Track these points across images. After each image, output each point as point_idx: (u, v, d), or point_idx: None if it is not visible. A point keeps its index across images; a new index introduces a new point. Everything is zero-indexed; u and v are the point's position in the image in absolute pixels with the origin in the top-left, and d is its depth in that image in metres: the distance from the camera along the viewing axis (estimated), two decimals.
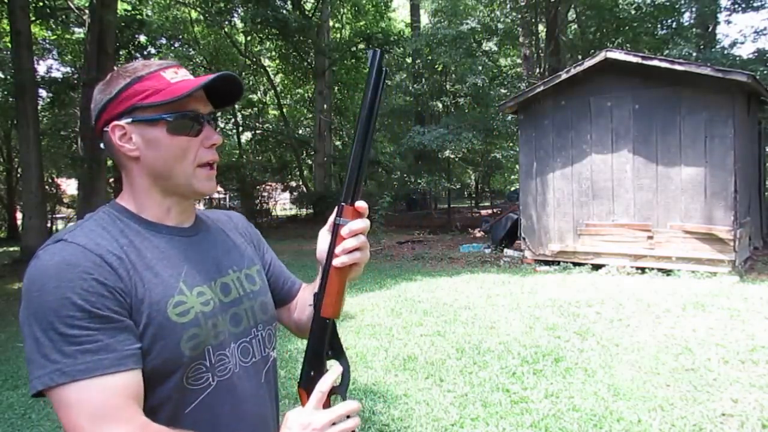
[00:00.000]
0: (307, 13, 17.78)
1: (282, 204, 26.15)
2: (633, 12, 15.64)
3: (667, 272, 7.63)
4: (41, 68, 18.75)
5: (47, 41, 18.02)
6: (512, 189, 17.61)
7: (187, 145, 0.94)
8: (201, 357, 0.91)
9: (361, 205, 0.92)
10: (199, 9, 18.74)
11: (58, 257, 0.83)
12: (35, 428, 3.60)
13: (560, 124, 8.90)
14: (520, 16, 16.46)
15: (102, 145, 0.98)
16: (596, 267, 8.30)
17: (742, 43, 35.75)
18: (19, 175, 19.45)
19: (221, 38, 20.55)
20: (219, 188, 22.94)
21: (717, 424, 3.16)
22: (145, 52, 15.49)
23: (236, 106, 21.45)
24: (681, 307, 5.77)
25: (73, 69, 17.30)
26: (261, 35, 18.48)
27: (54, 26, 15.41)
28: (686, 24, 17.47)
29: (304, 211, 21.90)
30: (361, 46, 18.28)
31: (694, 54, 14.20)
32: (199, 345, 0.90)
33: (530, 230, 9.34)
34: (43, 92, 14.60)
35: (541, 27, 17.86)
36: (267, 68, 21.82)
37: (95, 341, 0.80)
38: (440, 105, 17.45)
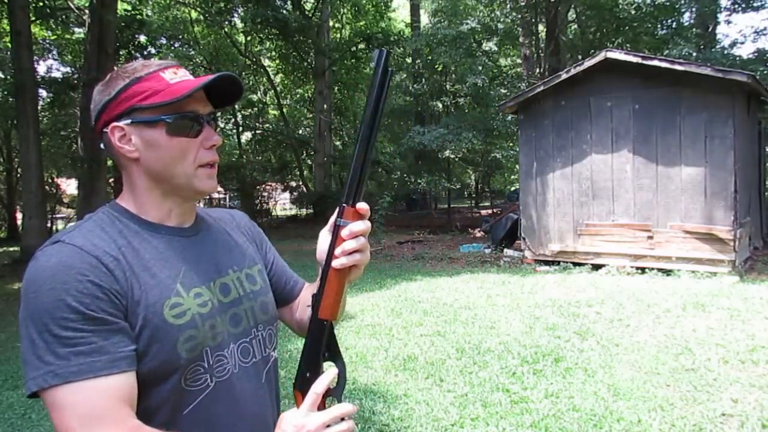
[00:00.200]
0: (307, 13, 17.78)
1: (282, 204, 26.14)
2: (633, 12, 15.64)
3: (667, 272, 7.63)
4: (41, 68, 18.78)
5: (47, 41, 18.01)
6: (512, 189, 17.61)
7: (187, 147, 0.94)
8: (199, 358, 0.90)
9: (362, 206, 0.91)
10: (199, 9, 18.74)
11: (54, 259, 0.83)
12: (35, 428, 3.60)
13: (560, 124, 8.90)
14: (520, 16, 16.46)
15: (102, 146, 0.98)
16: (596, 267, 8.30)
17: (742, 43, 35.76)
18: (19, 175, 19.45)
19: (221, 38, 20.54)
20: (219, 188, 22.99)
21: (717, 424, 3.16)
22: (145, 52, 15.48)
23: (236, 106, 21.45)
24: (681, 307, 5.77)
25: (73, 69, 17.30)
26: (261, 35, 18.48)
27: (54, 26, 15.41)
28: (686, 24, 17.46)
29: (304, 211, 21.90)
30: (361, 46, 18.29)
31: (694, 54, 14.20)
32: (196, 347, 0.90)
33: (530, 230, 9.34)
34: (43, 92, 14.61)
35: (541, 27, 17.85)
36: (267, 68, 21.82)
37: (89, 343, 0.80)
38: (440, 105, 17.45)
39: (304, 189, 21.52)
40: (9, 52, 14.13)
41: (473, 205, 26.21)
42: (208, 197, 26.01)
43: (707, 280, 7.10)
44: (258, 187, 21.78)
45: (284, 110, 21.90)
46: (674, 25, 17.26)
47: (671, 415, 3.30)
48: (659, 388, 3.70)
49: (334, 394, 0.92)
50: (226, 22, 18.64)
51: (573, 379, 3.93)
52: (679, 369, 4.04)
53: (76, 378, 0.78)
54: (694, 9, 16.43)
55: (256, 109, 22.90)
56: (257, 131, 22.88)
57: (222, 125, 22.38)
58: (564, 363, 4.26)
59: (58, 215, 21.97)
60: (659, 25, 17.24)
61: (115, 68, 1.01)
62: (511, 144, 15.56)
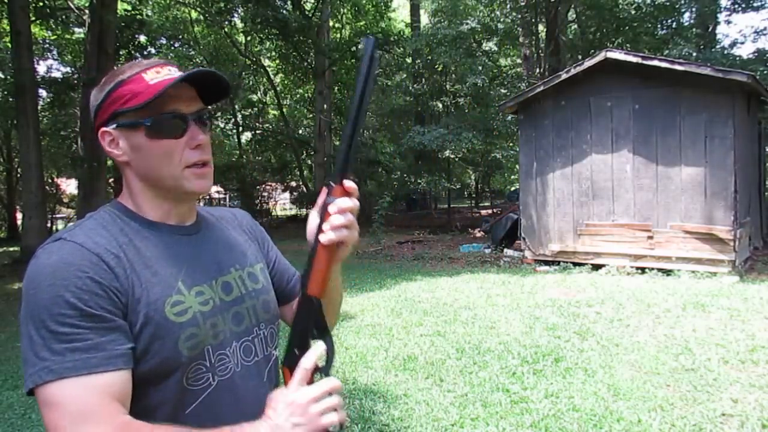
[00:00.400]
0: (307, 13, 17.76)
1: (282, 204, 26.16)
2: (633, 12, 15.64)
3: (667, 272, 7.63)
4: (41, 68, 18.76)
5: (47, 41, 18.01)
6: (512, 189, 17.60)
7: (171, 148, 0.92)
8: (200, 357, 0.90)
9: (349, 184, 0.90)
10: (199, 9, 18.72)
11: (55, 256, 0.84)
12: (35, 428, 3.60)
13: (560, 124, 8.90)
14: (520, 16, 16.46)
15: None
16: (596, 267, 8.30)
17: (742, 43, 35.77)
18: (19, 175, 19.45)
19: (221, 38, 20.53)
20: (219, 188, 23.00)
21: (717, 424, 3.16)
22: (145, 52, 15.48)
23: (236, 106, 21.46)
24: (681, 307, 5.77)
25: (73, 69, 17.31)
26: (261, 35, 18.45)
27: (54, 26, 15.40)
28: (686, 24, 17.47)
29: (304, 211, 21.89)
30: (361, 46, 18.26)
31: (694, 54, 14.20)
32: (197, 345, 0.90)
33: (530, 230, 9.34)
34: (43, 92, 14.61)
35: (541, 27, 17.85)
36: (267, 68, 21.79)
37: (85, 340, 0.80)
38: (440, 105, 17.45)
39: (304, 189, 21.51)
40: (9, 52, 14.12)
41: (473, 205, 26.21)
42: (207, 197, 26.08)
43: (707, 280, 7.10)
44: (258, 187, 21.78)
45: (284, 110, 21.88)
46: (674, 25, 17.26)
47: (671, 415, 3.30)
48: (659, 388, 3.70)
49: (322, 370, 0.91)
50: (226, 22, 18.62)
51: (573, 379, 3.93)
52: (679, 369, 4.04)
53: (71, 374, 0.78)
54: (694, 9, 16.42)
55: (256, 109, 22.89)
56: (257, 131, 22.87)
57: (222, 125, 22.38)
58: (564, 363, 4.26)
59: (58, 215, 21.98)
60: (659, 25, 17.24)
61: (114, 68, 1.01)
62: (511, 144, 15.56)
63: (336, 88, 20.07)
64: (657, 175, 7.90)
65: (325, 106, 18.57)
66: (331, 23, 20.14)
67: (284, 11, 16.46)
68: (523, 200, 9.50)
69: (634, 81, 8.04)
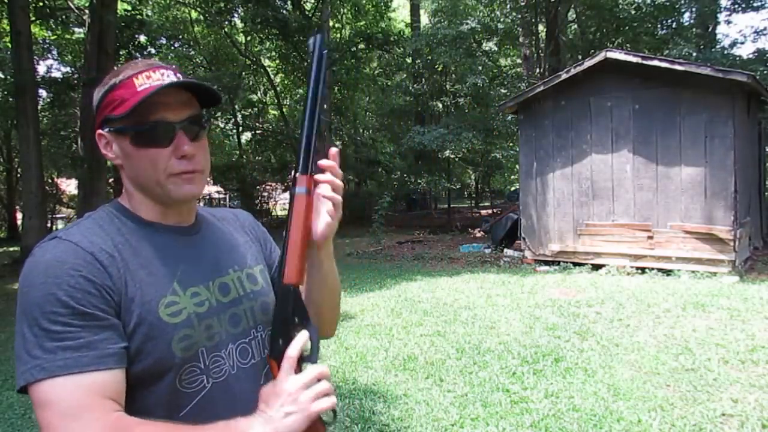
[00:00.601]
0: (307, 13, 17.77)
1: (282, 204, 26.15)
2: (633, 12, 15.63)
3: (667, 272, 7.63)
4: (41, 68, 18.76)
5: (47, 41, 18.01)
6: (512, 189, 17.62)
7: (156, 156, 0.91)
8: (194, 359, 0.90)
9: (326, 163, 0.95)
10: (199, 9, 18.73)
11: (49, 254, 0.84)
12: (35, 428, 3.60)
13: (560, 124, 8.90)
14: (520, 16, 16.46)
15: None
16: (596, 267, 8.30)
17: (742, 43, 35.76)
18: (19, 175, 19.45)
19: (221, 38, 20.53)
20: (219, 188, 23.00)
21: (717, 424, 3.16)
22: (145, 52, 15.48)
23: (236, 106, 21.46)
24: (681, 307, 5.77)
25: (73, 69, 17.30)
26: (261, 35, 18.45)
27: (54, 26, 15.39)
28: (686, 24, 17.47)
29: None
30: (361, 46, 18.28)
31: (694, 54, 14.20)
32: (191, 346, 0.89)
33: (530, 230, 9.34)
34: (43, 92, 14.60)
35: (541, 27, 17.85)
36: (267, 68, 21.80)
37: (77, 338, 0.80)
38: (440, 105, 17.45)
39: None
40: (9, 52, 14.11)
41: (473, 205, 26.23)
42: (207, 197, 26.07)
43: (707, 280, 7.10)
44: (258, 187, 21.78)
45: (284, 110, 21.88)
46: (674, 25, 17.26)
47: (671, 415, 3.30)
48: (659, 388, 3.70)
49: (308, 359, 0.92)
50: (226, 22, 18.63)
51: (573, 379, 3.93)
52: (679, 369, 4.04)
53: (62, 372, 0.78)
54: (694, 9, 16.42)
55: (256, 109, 22.89)
56: (257, 131, 22.88)
57: (222, 125, 22.38)
58: (564, 363, 4.26)
59: (58, 215, 21.98)
60: (659, 25, 17.24)
61: (115, 68, 1.01)
62: (511, 144, 15.56)
63: (336, 88, 20.07)
64: (657, 175, 7.90)
65: (325, 106, 18.55)
66: (331, 23, 20.14)
67: (284, 11, 16.47)
68: (523, 200, 9.50)
69: (634, 81, 8.04)
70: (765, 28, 26.45)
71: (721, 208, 7.38)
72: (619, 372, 4.03)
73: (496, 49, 17.65)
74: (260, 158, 23.01)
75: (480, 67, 14.70)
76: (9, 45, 13.60)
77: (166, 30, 18.33)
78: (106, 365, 0.81)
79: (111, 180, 14.45)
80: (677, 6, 15.65)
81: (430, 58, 16.28)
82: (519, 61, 19.54)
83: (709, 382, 3.77)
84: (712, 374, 3.90)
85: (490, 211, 20.36)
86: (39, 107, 13.33)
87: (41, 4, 12.40)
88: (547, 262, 9.00)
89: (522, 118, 9.53)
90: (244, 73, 21.09)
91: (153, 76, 0.91)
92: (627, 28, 16.25)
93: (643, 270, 7.84)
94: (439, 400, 3.67)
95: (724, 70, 7.38)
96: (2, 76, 16.65)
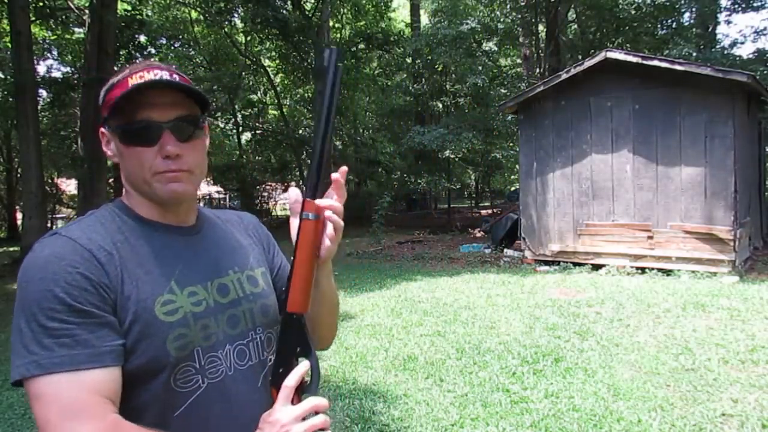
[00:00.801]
0: (307, 13, 17.76)
1: (282, 204, 26.15)
2: (633, 12, 15.64)
3: (667, 272, 7.63)
4: (41, 68, 18.78)
5: (47, 41, 18.02)
6: (512, 189, 17.62)
7: (142, 155, 0.92)
8: (189, 358, 0.90)
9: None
10: (199, 9, 18.72)
11: (48, 250, 0.85)
12: (35, 428, 3.60)
13: (560, 124, 8.90)
14: (520, 16, 16.46)
15: None
16: (596, 267, 8.30)
17: (742, 43, 35.74)
18: (19, 175, 19.45)
19: (221, 38, 20.53)
20: (219, 188, 23.01)
21: (717, 424, 3.16)
22: (145, 52, 15.49)
23: (236, 106, 21.46)
24: (681, 307, 5.77)
25: (73, 69, 17.31)
26: (261, 35, 18.46)
27: (54, 26, 15.40)
28: (686, 24, 17.48)
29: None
30: (361, 46, 18.29)
31: (694, 54, 14.20)
32: (186, 345, 0.89)
33: (530, 230, 9.34)
34: (43, 92, 14.61)
35: (541, 27, 17.85)
36: (267, 68, 21.80)
37: (73, 335, 0.80)
38: (440, 105, 17.45)
39: (305, 189, 21.50)
40: (9, 52, 14.12)
41: (473, 205, 26.23)
42: (207, 197, 26.07)
43: (707, 280, 7.10)
44: (258, 187, 21.78)
45: (284, 110, 21.89)
46: (674, 25, 17.27)
47: (671, 415, 3.30)
48: (659, 388, 3.70)
49: (308, 389, 0.91)
50: (226, 22, 18.63)
51: (573, 379, 3.93)
52: (679, 369, 4.04)
53: (58, 369, 0.78)
54: (694, 9, 16.42)
55: (256, 109, 22.89)
56: (257, 131, 22.88)
57: (222, 125, 22.37)
58: (564, 363, 4.26)
59: (58, 215, 21.99)
60: (659, 25, 17.25)
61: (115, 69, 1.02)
62: (511, 144, 15.57)
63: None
64: (657, 175, 7.90)
65: None
66: (331, 23, 20.13)
67: (284, 11, 16.46)
68: (523, 200, 9.50)
69: (634, 81, 8.04)
70: (765, 28, 26.45)
71: (721, 208, 7.38)
72: (619, 372, 4.03)
73: (496, 49, 17.64)
74: (260, 158, 23.02)
75: (480, 67, 14.70)
76: (9, 45, 13.61)
77: (166, 30, 18.34)
78: (101, 363, 0.81)
79: (111, 180, 14.45)
80: (677, 6, 15.65)
81: (430, 58, 16.28)
82: (519, 61, 19.55)
83: (709, 382, 3.77)
84: (712, 374, 3.90)
85: (490, 211, 20.36)
86: (39, 107, 13.34)
87: (41, 4, 12.40)
88: (547, 262, 9.00)
89: (522, 118, 9.53)
90: (244, 73, 21.09)
91: (146, 76, 0.90)
92: (627, 28, 16.26)
93: (643, 270, 7.84)
94: (439, 400, 3.67)
95: (724, 70, 7.38)
96: (2, 76, 16.66)
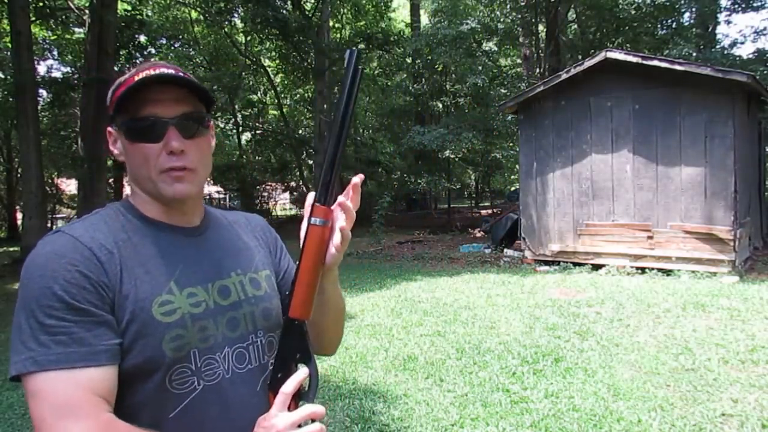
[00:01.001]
0: (307, 13, 17.76)
1: (282, 204, 26.16)
2: (633, 12, 15.64)
3: (667, 272, 7.63)
4: (41, 68, 18.79)
5: (47, 41, 18.01)
6: (512, 189, 17.61)
7: (147, 152, 0.92)
8: (185, 359, 0.89)
9: (356, 180, 0.90)
10: (199, 9, 18.72)
11: (49, 247, 0.85)
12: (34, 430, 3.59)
13: (560, 124, 8.90)
14: (520, 16, 16.46)
15: None
16: (596, 267, 8.30)
17: (742, 43, 35.74)
18: (19, 175, 19.45)
19: (221, 38, 20.53)
20: (219, 188, 23.00)
21: (717, 424, 3.16)
22: (145, 52, 15.48)
23: (236, 106, 21.45)
24: (681, 307, 5.77)
25: (73, 69, 17.30)
26: (261, 35, 18.44)
27: (54, 26, 15.40)
28: (686, 24, 17.47)
29: (304, 211, 21.87)
30: (361, 46, 18.28)
31: (694, 54, 14.21)
32: (183, 347, 0.89)
33: (530, 230, 9.34)
34: (43, 92, 14.60)
35: (541, 27, 17.85)
36: (267, 68, 21.79)
37: (69, 333, 0.80)
38: (440, 105, 17.45)
39: (304, 189, 21.52)
40: (9, 52, 14.12)
41: (473, 205, 26.23)
42: (207, 197, 26.07)
43: (707, 280, 7.10)
44: (258, 187, 21.78)
45: (284, 110, 21.88)
46: (674, 25, 17.26)
47: (671, 415, 3.30)
48: (659, 388, 3.70)
49: (306, 397, 0.90)
50: (226, 22, 18.63)
51: (573, 379, 3.93)
52: (679, 369, 4.04)
53: (54, 367, 0.79)
54: (694, 9, 16.42)
55: (256, 109, 22.89)
56: (257, 131, 22.88)
57: (222, 125, 22.38)
58: (564, 363, 4.26)
59: (58, 215, 21.98)
60: (659, 25, 17.24)
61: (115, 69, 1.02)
62: (511, 144, 15.57)
63: (336, 88, 20.06)
64: (657, 175, 7.90)
65: (325, 106, 18.56)
66: (331, 23, 20.13)
67: (284, 11, 16.45)
68: (523, 200, 9.50)
69: (634, 81, 8.04)
70: (765, 28, 26.45)
71: (721, 208, 7.38)
72: (619, 372, 4.03)
73: (496, 49, 17.65)
74: (260, 158, 23.01)
75: (480, 67, 14.69)
76: (9, 45, 13.61)
77: (166, 30, 18.33)
78: (97, 361, 0.81)
79: (111, 180, 14.46)
80: (677, 6, 15.64)
81: (430, 58, 16.27)
82: (519, 61, 19.55)
83: (709, 382, 3.77)
84: (712, 374, 3.90)
85: (490, 211, 20.36)
86: (39, 107, 13.34)
87: (41, 4, 12.40)
88: (547, 262, 9.00)
89: (522, 118, 9.53)
90: (244, 73, 21.08)
91: (152, 73, 0.91)
92: (627, 28, 16.25)
93: (643, 270, 7.84)
94: (439, 400, 3.67)
95: (724, 70, 7.38)
96: (2, 76, 16.66)
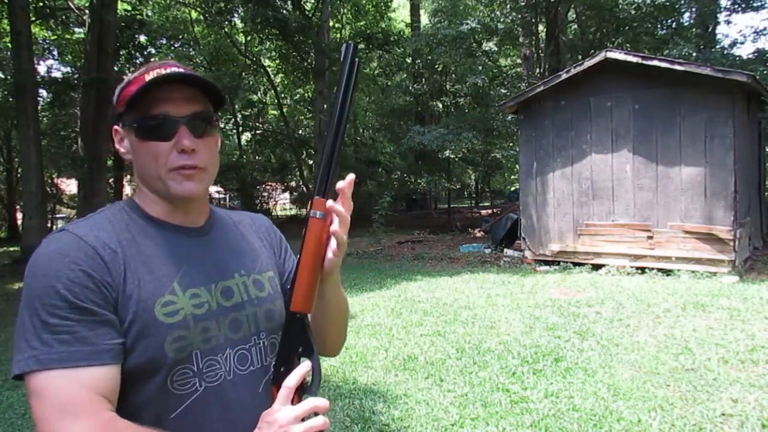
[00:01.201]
0: (307, 13, 17.76)
1: (282, 204, 26.16)
2: (633, 12, 15.64)
3: (667, 272, 7.63)
4: (41, 68, 18.77)
5: (47, 41, 18.01)
6: (512, 189, 17.62)
7: (157, 150, 0.92)
8: (187, 360, 0.89)
9: (342, 186, 0.90)
10: (199, 9, 18.73)
11: (53, 246, 0.85)
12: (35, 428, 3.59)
13: (560, 124, 8.90)
14: (520, 16, 16.46)
15: None
16: (596, 267, 8.30)
17: (742, 43, 35.79)
18: (19, 175, 19.45)
19: (221, 38, 20.53)
20: (219, 188, 23.00)
21: (717, 424, 3.16)
22: (145, 52, 15.49)
23: (236, 106, 21.45)
24: (681, 307, 5.77)
25: (73, 69, 17.31)
26: (261, 35, 18.44)
27: (54, 26, 15.41)
28: (686, 24, 17.47)
29: (304, 211, 21.89)
30: (361, 45, 18.28)
31: (694, 54, 14.21)
32: (184, 348, 0.88)
33: (530, 230, 9.34)
34: (43, 92, 14.61)
35: (541, 27, 17.85)
36: (267, 68, 21.80)
37: (72, 332, 0.80)
38: (440, 105, 17.44)
39: (304, 189, 21.52)
40: (9, 52, 14.13)
41: (473, 205, 26.23)
42: (207, 197, 26.06)
43: (707, 280, 7.10)
44: (258, 187, 21.78)
45: (284, 110, 21.88)
46: (674, 25, 17.27)
47: (671, 415, 3.30)
48: (659, 388, 3.70)
49: (309, 390, 0.90)
50: (226, 22, 18.63)
51: (573, 379, 3.93)
52: (679, 369, 4.04)
53: (56, 366, 0.79)
54: (694, 9, 16.43)
55: (256, 109, 22.89)
56: (257, 131, 22.88)
57: (222, 125, 22.39)
58: (564, 363, 4.26)
59: (58, 215, 21.97)
60: (659, 25, 17.25)
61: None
62: (511, 144, 15.57)
63: (336, 88, 20.08)
64: (657, 175, 7.90)
65: (325, 106, 18.57)
66: (331, 23, 20.14)
67: (284, 11, 16.45)
68: (523, 200, 9.50)
69: (634, 81, 8.04)
70: (765, 28, 26.48)
71: (721, 208, 7.38)
72: (619, 372, 4.03)
73: (496, 49, 17.64)
74: (260, 158, 23.01)
75: (480, 67, 14.70)
76: (9, 45, 13.61)
77: (166, 30, 18.33)
78: (100, 361, 0.81)
79: (111, 180, 14.46)
80: (677, 6, 15.65)
81: (430, 58, 16.27)
82: (519, 61, 19.55)
83: (709, 382, 3.77)
84: (712, 374, 3.90)
85: (490, 211, 20.36)
86: (39, 107, 13.33)
87: (41, 4, 12.41)
88: (547, 262, 9.00)
89: (522, 118, 9.53)
90: (244, 73, 21.08)
91: (162, 72, 0.92)
92: (627, 28, 16.26)
93: (643, 270, 7.84)
94: (439, 400, 3.67)
95: (724, 70, 7.38)
96: (2, 76, 16.66)
